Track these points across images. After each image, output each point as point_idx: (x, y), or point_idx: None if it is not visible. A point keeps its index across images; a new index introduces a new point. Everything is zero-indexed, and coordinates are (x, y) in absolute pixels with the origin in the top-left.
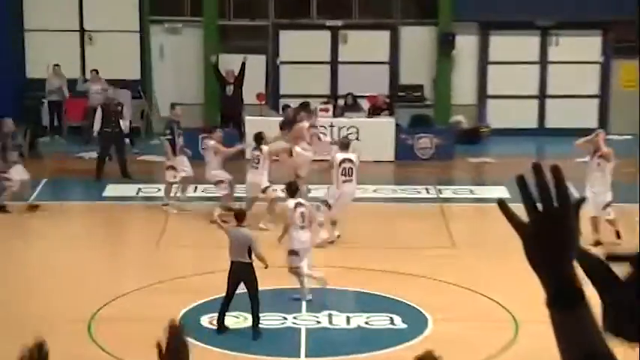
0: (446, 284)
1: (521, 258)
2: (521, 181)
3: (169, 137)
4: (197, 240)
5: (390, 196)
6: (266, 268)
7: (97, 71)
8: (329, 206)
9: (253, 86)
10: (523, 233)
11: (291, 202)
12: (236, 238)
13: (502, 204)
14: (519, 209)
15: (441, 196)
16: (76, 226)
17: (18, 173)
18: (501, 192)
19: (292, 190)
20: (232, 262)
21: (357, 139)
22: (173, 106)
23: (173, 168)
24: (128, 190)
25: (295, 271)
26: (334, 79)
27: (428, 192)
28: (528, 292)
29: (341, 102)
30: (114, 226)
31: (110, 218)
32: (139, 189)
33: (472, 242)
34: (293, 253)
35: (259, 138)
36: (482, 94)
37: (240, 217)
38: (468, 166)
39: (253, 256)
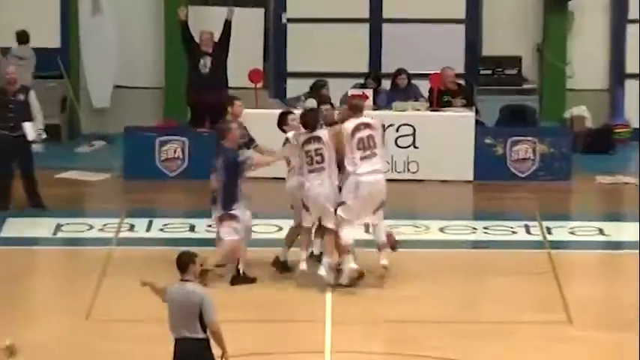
0: None
1: None
2: None
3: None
4: (149, 308)
5: (467, 238)
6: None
7: None
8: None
9: (244, 59)
10: None
11: None
12: (177, 301)
13: None
14: None
15: (549, 237)
16: None
17: None
18: None
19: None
20: (176, 341)
21: (412, 144)
22: (233, 98)
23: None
24: (40, 227)
25: None
26: (376, 47)
27: (528, 232)
28: None
29: (386, 84)
30: (17, 285)
31: (11, 272)
32: (58, 225)
33: (600, 314)
34: None
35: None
36: (618, 74)
37: (182, 265)
38: (594, 190)
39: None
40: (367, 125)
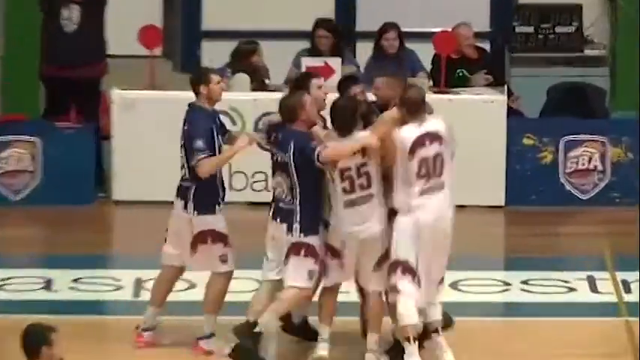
0: None
1: None
2: None
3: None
4: None
5: (496, 298)
6: None
7: None
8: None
9: (133, 11)
10: None
11: None
12: None
13: None
14: None
15: (627, 297)
16: None
17: None
18: None
19: None
20: None
21: None
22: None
23: (222, 239)
24: None
25: None
26: None
27: (594, 288)
28: None
29: (363, 47)
30: None
31: None
32: None
33: None
34: None
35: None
36: None
37: (30, 347)
38: None
39: None
40: (436, 138)
